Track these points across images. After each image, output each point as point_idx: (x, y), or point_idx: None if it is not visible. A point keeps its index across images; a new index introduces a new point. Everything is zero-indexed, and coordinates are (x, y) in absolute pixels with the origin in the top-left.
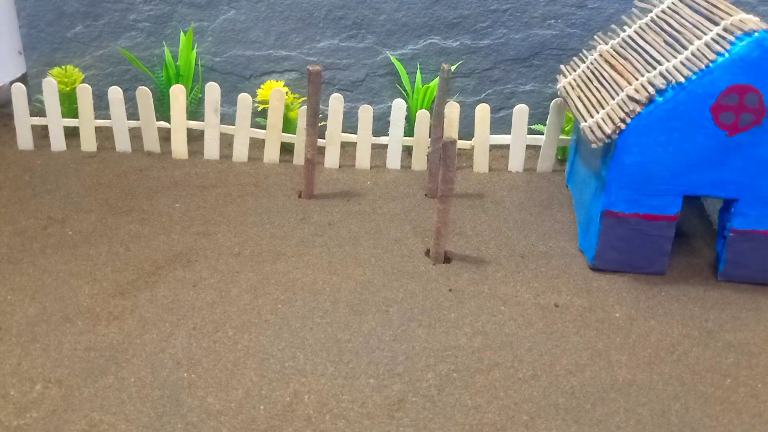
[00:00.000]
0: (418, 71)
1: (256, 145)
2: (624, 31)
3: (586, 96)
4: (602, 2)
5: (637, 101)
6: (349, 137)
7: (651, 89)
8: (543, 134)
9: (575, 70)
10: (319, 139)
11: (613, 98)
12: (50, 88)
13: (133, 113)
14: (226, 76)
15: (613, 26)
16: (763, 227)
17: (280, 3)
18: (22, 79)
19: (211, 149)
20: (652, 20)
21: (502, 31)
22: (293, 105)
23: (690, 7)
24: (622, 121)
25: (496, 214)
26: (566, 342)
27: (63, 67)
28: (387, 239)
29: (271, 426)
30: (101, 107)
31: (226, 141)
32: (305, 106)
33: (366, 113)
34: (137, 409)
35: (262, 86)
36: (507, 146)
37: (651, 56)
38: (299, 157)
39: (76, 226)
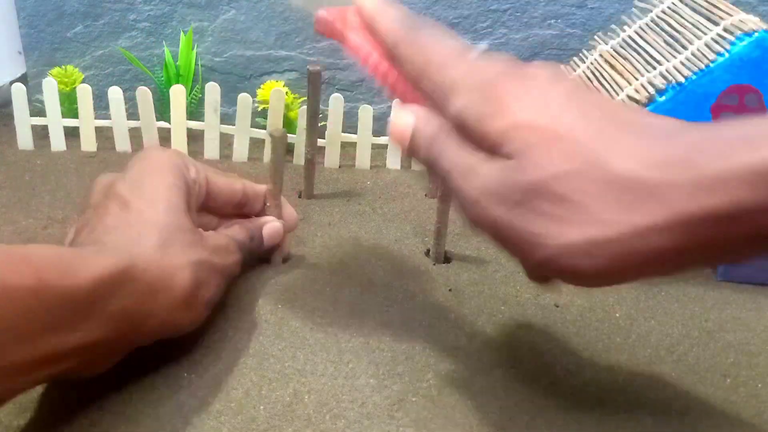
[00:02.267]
0: None
1: (256, 145)
2: (624, 31)
3: None
4: (602, 2)
5: (637, 101)
6: (349, 137)
7: (651, 89)
8: None
9: (575, 70)
10: (319, 139)
11: (613, 98)
12: (50, 88)
13: (133, 113)
14: (226, 76)
15: (613, 26)
16: None
17: (280, 3)
18: (22, 79)
19: (211, 149)
20: (652, 20)
21: (502, 31)
22: (293, 105)
23: (690, 7)
24: None
25: None
26: (566, 342)
27: (63, 67)
28: (387, 239)
29: (271, 426)
30: (101, 107)
31: (226, 141)
32: (305, 106)
33: (366, 113)
34: (137, 410)
35: (262, 86)
36: None
37: (651, 56)
38: (299, 157)
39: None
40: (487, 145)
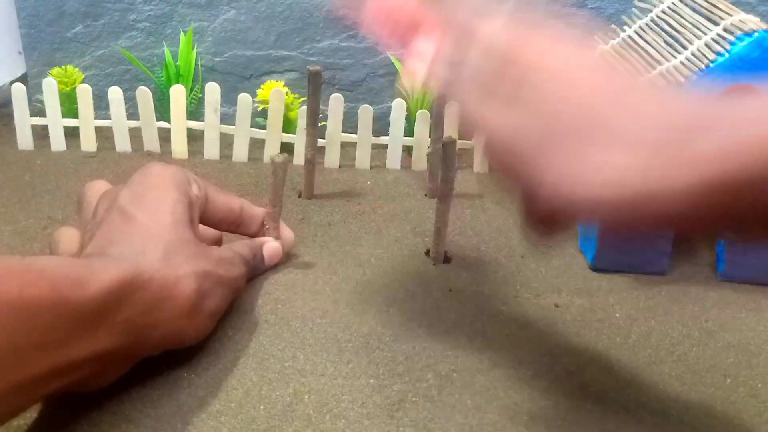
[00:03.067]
0: None
1: (256, 145)
2: (624, 31)
3: None
4: (602, 2)
5: None
6: (349, 137)
7: None
8: None
9: None
10: (319, 139)
11: None
12: (50, 88)
13: (133, 113)
14: (226, 76)
15: (613, 26)
16: None
17: (280, 3)
18: (22, 79)
19: (211, 149)
20: (652, 20)
21: None
22: (293, 105)
23: (690, 7)
24: None
25: (496, 214)
26: (566, 342)
27: (63, 67)
28: (387, 239)
29: (271, 426)
30: (101, 107)
31: (226, 141)
32: (305, 106)
33: (366, 113)
34: (137, 409)
35: (262, 86)
36: None
37: (651, 56)
38: (299, 157)
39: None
40: (513, 75)
